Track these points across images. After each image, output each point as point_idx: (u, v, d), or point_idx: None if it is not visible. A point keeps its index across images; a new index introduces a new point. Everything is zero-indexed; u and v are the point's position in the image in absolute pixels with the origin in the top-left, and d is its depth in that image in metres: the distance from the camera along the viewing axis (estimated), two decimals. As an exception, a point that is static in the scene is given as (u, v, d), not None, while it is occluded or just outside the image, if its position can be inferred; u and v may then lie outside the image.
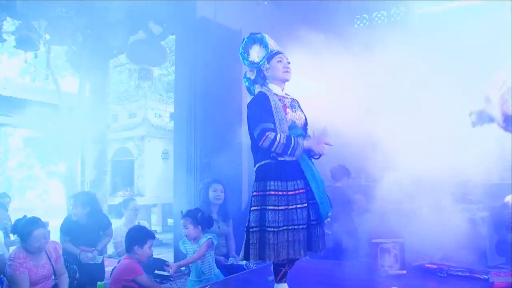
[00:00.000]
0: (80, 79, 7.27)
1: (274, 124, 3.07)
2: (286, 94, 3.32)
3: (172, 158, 10.72)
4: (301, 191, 3.10)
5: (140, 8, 6.05)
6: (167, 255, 6.91)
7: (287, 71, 3.27)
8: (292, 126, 3.13)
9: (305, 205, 3.07)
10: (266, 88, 3.27)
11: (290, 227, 3.02)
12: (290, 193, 3.07)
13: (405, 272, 4.05)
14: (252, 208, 3.08)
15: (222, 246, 5.08)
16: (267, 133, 2.98)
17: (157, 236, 6.16)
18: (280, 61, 3.25)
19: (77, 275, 4.80)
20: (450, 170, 6.65)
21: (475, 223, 4.39)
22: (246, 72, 3.37)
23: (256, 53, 3.29)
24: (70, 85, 13.19)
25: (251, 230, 3.05)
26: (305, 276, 3.86)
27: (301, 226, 3.04)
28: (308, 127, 3.33)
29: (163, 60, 7.31)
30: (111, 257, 6.51)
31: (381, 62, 5.00)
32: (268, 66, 3.24)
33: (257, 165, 3.16)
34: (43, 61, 9.06)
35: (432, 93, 5.71)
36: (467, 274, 3.99)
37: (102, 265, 5.18)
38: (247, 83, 3.42)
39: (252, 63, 3.28)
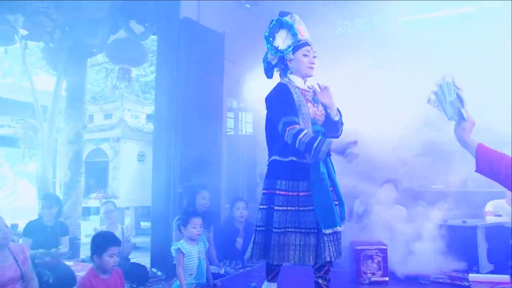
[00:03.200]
0: (56, 77, 7.04)
1: (297, 116, 2.85)
2: (308, 86, 3.09)
3: (149, 160, 10.60)
4: (310, 193, 2.86)
5: (122, 6, 5.91)
6: (141, 259, 6.75)
7: (311, 67, 3.03)
8: (313, 122, 2.94)
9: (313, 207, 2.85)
10: (287, 80, 3.03)
11: (301, 230, 2.83)
12: (301, 194, 2.87)
13: (387, 279, 4.06)
14: (260, 207, 2.95)
15: None
16: (288, 128, 2.77)
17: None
18: (307, 55, 3.00)
19: (50, 280, 4.63)
20: (426, 178, 6.77)
21: (455, 230, 4.41)
22: (267, 53, 3.10)
23: (282, 39, 3.00)
24: (43, 83, 12.90)
25: (257, 229, 2.93)
26: (285, 282, 3.79)
27: (312, 230, 2.83)
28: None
29: (144, 60, 7.17)
30: (84, 261, 6.33)
31: (363, 67, 5.03)
32: (293, 57, 2.99)
33: (270, 160, 2.98)
34: (16, 57, 8.80)
35: (407, 100, 5.77)
36: (448, 281, 4.04)
37: (70, 270, 5.00)
38: (265, 65, 3.14)
39: (276, 49, 2.99)
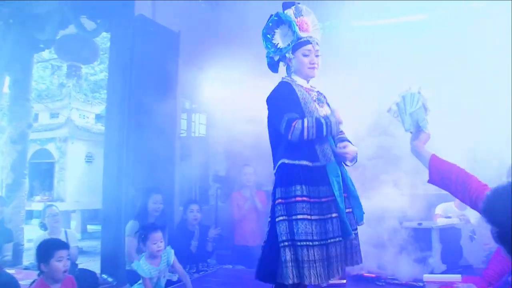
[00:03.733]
0: (-1, 72, 6.66)
1: (301, 115, 2.63)
2: (311, 86, 2.89)
3: (97, 161, 10.27)
4: (332, 198, 2.61)
5: (73, 1, 5.66)
6: (89, 264, 6.49)
7: (313, 68, 2.81)
8: None
9: (337, 214, 2.60)
10: (289, 79, 2.83)
11: (328, 241, 2.55)
12: (323, 199, 2.60)
13: (345, 281, 4.08)
14: (279, 219, 2.58)
15: None
16: (293, 123, 2.54)
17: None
18: (307, 55, 2.77)
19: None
20: (378, 181, 6.90)
21: (410, 232, 4.50)
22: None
23: (281, 37, 2.78)
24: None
25: (282, 245, 2.53)
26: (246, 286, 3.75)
27: (337, 239, 2.59)
28: None
29: (95, 58, 6.92)
30: (28, 269, 6.01)
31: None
32: (292, 56, 2.77)
33: (278, 164, 2.70)
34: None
35: (358, 104, 5.88)
36: (403, 281, 4.10)
37: (13, 279, 4.72)
38: (268, 60, 2.89)
39: (276, 47, 2.77)
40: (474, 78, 5.96)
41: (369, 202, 5.72)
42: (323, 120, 2.58)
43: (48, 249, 3.25)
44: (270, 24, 2.80)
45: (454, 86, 5.79)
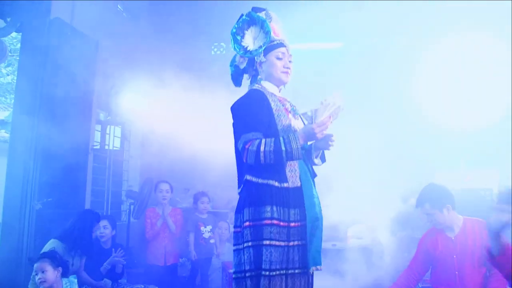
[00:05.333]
0: None
1: (273, 131, 2.39)
2: (283, 96, 2.66)
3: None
4: (302, 223, 2.36)
5: (-20, -5, 5.23)
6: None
7: (286, 72, 2.60)
8: None
9: (301, 243, 2.36)
10: (259, 86, 2.59)
11: (289, 271, 2.32)
12: (292, 224, 2.36)
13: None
14: (244, 245, 2.33)
15: None
16: (246, 146, 2.29)
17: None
18: (280, 58, 2.57)
19: None
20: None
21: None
22: (235, 56, 2.67)
23: (251, 38, 2.53)
24: None
25: (246, 275, 2.32)
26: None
27: (296, 271, 2.35)
28: None
29: (2, 59, 6.39)
30: None
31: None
32: (264, 60, 2.55)
33: (241, 181, 2.46)
34: None
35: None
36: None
37: None
38: (232, 70, 2.69)
39: (245, 50, 2.51)
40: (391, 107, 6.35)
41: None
42: (283, 147, 2.27)
43: None
44: (240, 24, 2.55)
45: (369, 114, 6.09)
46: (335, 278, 4.34)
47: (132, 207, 6.15)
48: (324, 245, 4.80)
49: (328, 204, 6.71)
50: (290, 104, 2.62)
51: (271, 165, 2.33)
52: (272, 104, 2.47)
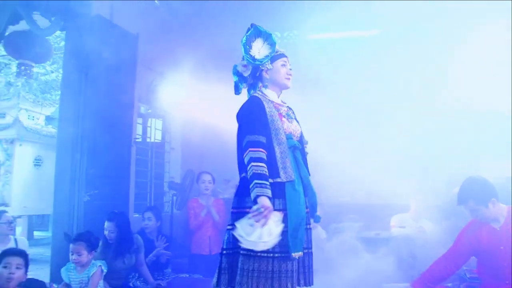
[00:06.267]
0: None
1: (267, 135, 2.71)
2: (282, 101, 3.02)
3: (47, 165, 9.87)
4: (284, 212, 2.63)
5: (25, -4, 5.41)
6: (37, 273, 6.18)
7: (289, 78, 2.98)
8: (288, 137, 2.80)
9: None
10: (260, 93, 2.92)
11: (274, 255, 2.55)
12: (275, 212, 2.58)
13: None
14: (228, 227, 2.70)
15: None
16: (252, 149, 2.61)
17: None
18: (284, 65, 2.95)
19: None
20: (333, 190, 7.00)
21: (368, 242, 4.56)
22: (237, 65, 2.96)
23: (257, 49, 2.85)
24: None
25: (223, 252, 2.68)
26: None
27: (286, 254, 2.58)
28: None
29: (48, 57, 6.59)
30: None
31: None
32: (271, 67, 2.90)
33: (240, 177, 2.82)
34: None
35: (312, 114, 5.95)
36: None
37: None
38: (236, 79, 2.98)
39: (254, 58, 2.83)
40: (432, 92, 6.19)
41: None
42: (252, 183, 2.54)
43: (0, 256, 3.22)
44: (249, 36, 2.85)
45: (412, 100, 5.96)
46: (381, 265, 4.29)
47: (174, 198, 6.27)
48: (368, 234, 4.82)
49: (371, 191, 6.70)
50: (287, 108, 2.97)
51: (268, 162, 2.66)
52: (267, 110, 2.79)
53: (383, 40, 7.09)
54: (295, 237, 2.60)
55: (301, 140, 2.97)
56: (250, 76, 2.96)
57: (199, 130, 7.07)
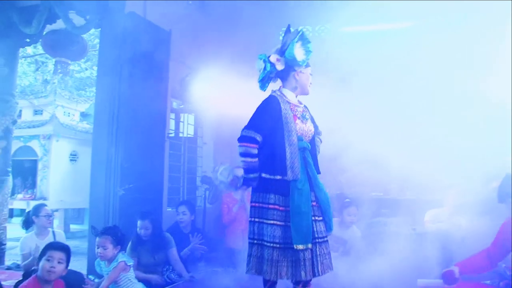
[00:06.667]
0: (-18, 67, 6.44)
1: (278, 134, 2.91)
2: (299, 101, 3.17)
3: (82, 160, 10.10)
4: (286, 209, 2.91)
5: (61, -5, 5.54)
6: (74, 265, 6.33)
7: (310, 87, 3.17)
8: (299, 139, 2.98)
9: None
10: (279, 93, 3.08)
11: (291, 245, 2.82)
12: (288, 208, 2.87)
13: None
14: (251, 219, 2.96)
15: None
16: (243, 143, 2.89)
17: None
18: (311, 74, 3.15)
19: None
20: (366, 185, 6.92)
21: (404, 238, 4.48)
22: (271, 56, 3.03)
23: (300, 52, 2.99)
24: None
25: (251, 241, 2.94)
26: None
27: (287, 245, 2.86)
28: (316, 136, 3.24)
29: (83, 55, 6.76)
30: (10, 269, 5.87)
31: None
32: (303, 72, 3.08)
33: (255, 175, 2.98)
34: None
35: (345, 109, 5.88)
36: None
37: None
38: (269, 67, 3.03)
39: (296, 58, 2.98)
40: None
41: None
42: (251, 175, 2.90)
43: (44, 248, 3.30)
44: (298, 37, 2.99)
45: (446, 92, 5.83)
46: (416, 261, 4.22)
47: (207, 192, 6.32)
48: (403, 229, 4.74)
49: (405, 187, 6.60)
50: (303, 109, 3.12)
51: (279, 161, 2.91)
52: (283, 111, 2.95)
53: (416, 32, 6.95)
54: (298, 231, 2.81)
55: (312, 140, 3.13)
56: (283, 72, 3.06)
57: (230, 125, 7.06)
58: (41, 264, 3.20)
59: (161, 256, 4.75)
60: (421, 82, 6.32)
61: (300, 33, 3.02)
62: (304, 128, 3.04)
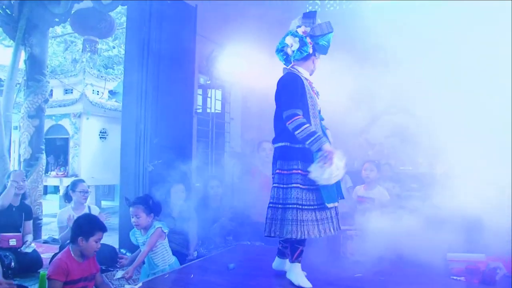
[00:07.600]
0: (14, 47, 6.58)
1: (305, 109, 3.11)
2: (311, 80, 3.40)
3: (111, 138, 10.27)
4: None
5: (88, -26, 5.57)
6: (105, 240, 6.51)
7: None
8: (319, 112, 3.28)
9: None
10: (296, 70, 3.27)
11: (315, 206, 3.10)
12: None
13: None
14: (275, 185, 3.17)
15: None
16: (296, 117, 3.02)
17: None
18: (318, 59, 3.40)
19: (13, 264, 4.40)
20: (395, 159, 6.83)
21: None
22: (303, 36, 3.24)
23: (320, 31, 3.23)
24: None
25: (273, 206, 3.14)
26: (265, 262, 3.74)
27: (322, 206, 3.12)
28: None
29: (111, 32, 6.83)
30: (47, 242, 6.07)
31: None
32: (318, 59, 3.38)
33: (280, 144, 3.21)
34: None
35: (374, 83, 5.78)
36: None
37: (35, 252, 4.80)
38: (310, 51, 3.26)
39: (327, 48, 3.31)
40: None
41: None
42: (314, 137, 3.02)
43: (92, 227, 3.33)
44: (328, 27, 3.26)
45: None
46: (446, 235, 4.16)
47: (235, 167, 6.36)
48: (432, 203, 4.66)
49: (435, 161, 6.48)
50: (314, 86, 3.36)
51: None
52: (306, 88, 3.20)
53: (443, 5, 6.74)
54: (329, 191, 3.12)
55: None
56: (298, 51, 3.25)
57: (257, 100, 7.07)
58: (90, 244, 3.26)
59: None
60: (452, 56, 6.13)
61: (329, 23, 3.28)
62: (318, 103, 3.31)
